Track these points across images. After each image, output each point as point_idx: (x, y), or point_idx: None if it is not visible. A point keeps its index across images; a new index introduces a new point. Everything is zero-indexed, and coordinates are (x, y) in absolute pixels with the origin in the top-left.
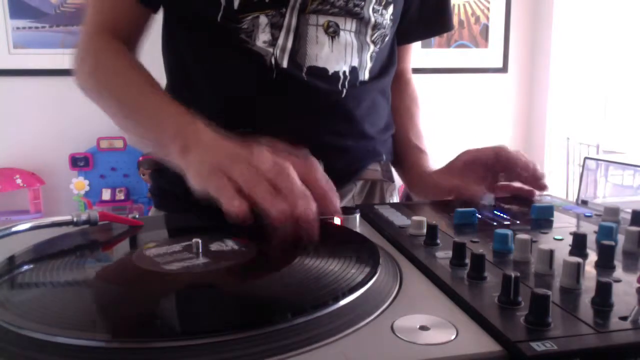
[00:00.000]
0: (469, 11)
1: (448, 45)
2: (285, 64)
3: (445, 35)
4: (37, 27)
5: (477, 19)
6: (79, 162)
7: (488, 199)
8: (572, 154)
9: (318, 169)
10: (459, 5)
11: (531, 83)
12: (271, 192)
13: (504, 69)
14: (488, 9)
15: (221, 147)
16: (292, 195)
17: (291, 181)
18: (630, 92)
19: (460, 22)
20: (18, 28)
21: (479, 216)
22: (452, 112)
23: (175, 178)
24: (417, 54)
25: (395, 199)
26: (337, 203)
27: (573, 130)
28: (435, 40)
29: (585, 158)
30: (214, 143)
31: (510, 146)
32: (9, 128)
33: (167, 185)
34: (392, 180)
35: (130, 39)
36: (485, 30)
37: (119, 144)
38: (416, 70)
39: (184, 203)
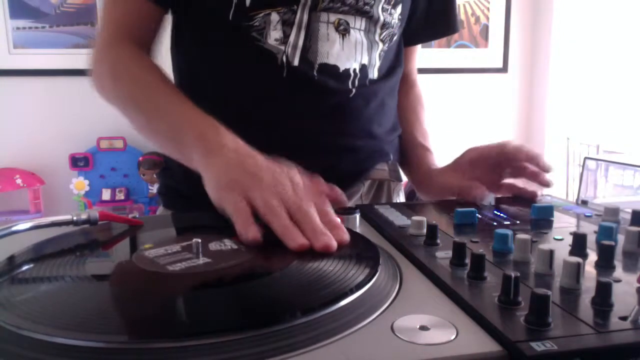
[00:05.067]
0: (469, 11)
1: (448, 46)
2: (296, 62)
3: None
4: (37, 27)
5: (477, 19)
6: (79, 162)
7: (489, 199)
8: (572, 154)
9: (328, 209)
10: (459, 5)
11: (531, 83)
12: (290, 226)
13: (504, 69)
14: (488, 9)
15: (244, 162)
16: (312, 231)
17: (311, 218)
18: (630, 92)
19: (460, 22)
20: (18, 28)
21: (479, 216)
22: (452, 112)
23: (182, 177)
24: (418, 54)
25: (402, 198)
26: (347, 236)
27: (573, 130)
28: (435, 40)
29: (585, 158)
30: (237, 154)
31: None
32: (9, 128)
33: (175, 184)
34: (399, 179)
35: (145, 41)
36: (485, 30)
37: (119, 144)
38: (417, 70)
39: (192, 202)
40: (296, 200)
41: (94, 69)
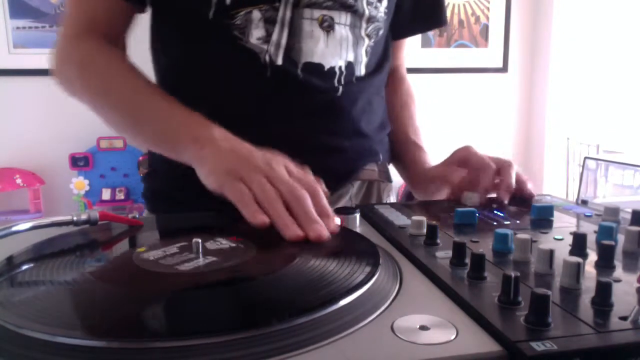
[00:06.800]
0: (469, 11)
1: (448, 45)
2: (280, 61)
3: (445, 35)
4: (37, 27)
5: (477, 19)
6: (79, 162)
7: (474, 199)
8: (572, 154)
9: (321, 193)
10: (459, 5)
11: (531, 83)
12: (285, 215)
13: (504, 69)
14: (488, 9)
15: (236, 149)
16: (305, 220)
17: (304, 203)
18: (630, 92)
19: (460, 22)
20: (18, 28)
21: (479, 216)
22: (452, 112)
23: (167, 180)
24: (417, 54)
25: (393, 199)
26: (336, 227)
27: (573, 130)
28: (435, 40)
29: (585, 158)
30: (228, 142)
31: (510, 146)
32: (9, 128)
33: (160, 188)
34: (389, 180)
35: (114, 37)
36: (485, 30)
37: (119, 144)
38: (416, 70)
39: (177, 205)
40: (289, 184)
41: (58, 69)
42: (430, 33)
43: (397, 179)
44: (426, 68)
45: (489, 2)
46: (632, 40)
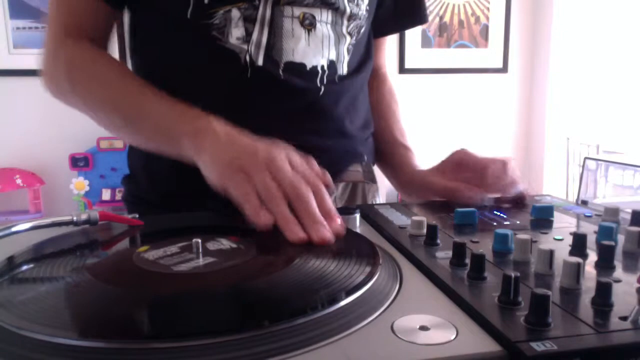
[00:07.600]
0: (469, 11)
1: (448, 45)
2: (260, 62)
3: (445, 35)
4: (37, 27)
5: (477, 19)
6: (79, 162)
7: (485, 200)
8: (572, 154)
9: (324, 192)
10: (459, 5)
11: (531, 83)
12: (290, 217)
13: (504, 69)
14: (488, 9)
15: (237, 141)
16: (309, 221)
17: (309, 205)
18: (630, 92)
19: (460, 22)
20: (18, 28)
21: (479, 216)
22: (452, 112)
23: (147, 184)
24: (417, 54)
25: (378, 200)
26: (343, 227)
27: (573, 130)
28: (435, 40)
29: (585, 158)
30: (228, 134)
31: (510, 147)
32: (9, 128)
33: (139, 192)
34: (374, 181)
35: (97, 39)
36: (485, 30)
37: (119, 144)
38: (416, 71)
39: (157, 209)
40: (294, 183)
41: (46, 71)
42: (430, 33)
43: (381, 181)
44: (426, 68)
45: (489, 2)
46: (632, 40)
